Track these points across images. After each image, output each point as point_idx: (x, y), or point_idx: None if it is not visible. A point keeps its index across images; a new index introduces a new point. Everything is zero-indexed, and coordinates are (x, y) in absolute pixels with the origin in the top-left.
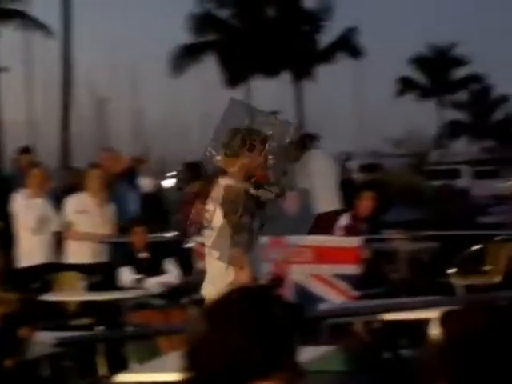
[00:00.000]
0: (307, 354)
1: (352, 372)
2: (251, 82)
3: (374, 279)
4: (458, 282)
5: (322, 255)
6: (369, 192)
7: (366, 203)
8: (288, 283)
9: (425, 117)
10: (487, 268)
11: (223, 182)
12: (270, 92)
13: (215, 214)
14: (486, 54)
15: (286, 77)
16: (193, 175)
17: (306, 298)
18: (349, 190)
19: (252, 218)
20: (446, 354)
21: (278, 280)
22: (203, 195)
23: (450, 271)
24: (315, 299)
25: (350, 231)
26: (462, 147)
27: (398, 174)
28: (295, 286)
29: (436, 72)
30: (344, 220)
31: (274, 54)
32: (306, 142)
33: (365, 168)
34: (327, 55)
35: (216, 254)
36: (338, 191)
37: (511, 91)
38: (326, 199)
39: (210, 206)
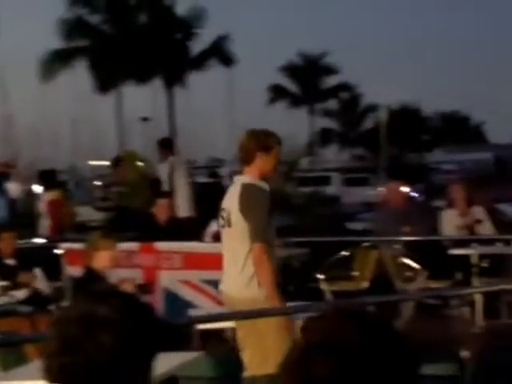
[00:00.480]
0: (177, 360)
1: (221, 378)
2: (123, 88)
3: None
4: (327, 288)
5: (192, 261)
6: None
7: None
8: (158, 289)
9: (296, 124)
10: (355, 274)
11: (240, 180)
12: (142, 98)
13: (233, 212)
14: (355, 63)
15: (158, 83)
16: (47, 183)
17: (176, 303)
18: (219, 196)
19: (271, 215)
20: (304, 361)
21: (147, 286)
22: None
23: (319, 277)
24: (185, 305)
25: (219, 237)
26: (333, 155)
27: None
28: (165, 291)
29: (307, 80)
30: (213, 226)
31: (145, 60)
32: (163, 147)
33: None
34: (199, 62)
35: (237, 250)
36: (191, 198)
37: (380, 100)
38: (180, 206)
39: (226, 204)
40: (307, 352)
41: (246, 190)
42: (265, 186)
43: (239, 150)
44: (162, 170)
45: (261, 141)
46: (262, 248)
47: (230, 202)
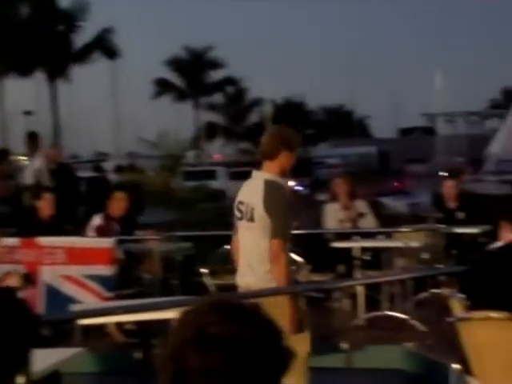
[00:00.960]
0: (59, 355)
1: (103, 373)
2: (5, 81)
3: (128, 280)
4: (210, 282)
5: (74, 256)
6: (121, 192)
7: (118, 204)
8: (39, 285)
9: (181, 118)
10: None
11: (262, 176)
12: (24, 92)
13: (257, 207)
14: (241, 57)
15: (40, 76)
16: None
17: (58, 299)
18: (102, 190)
19: (290, 212)
20: (177, 354)
21: (29, 281)
22: None
23: (203, 270)
24: (67, 300)
25: (102, 232)
26: (218, 149)
27: (153, 174)
28: (47, 287)
29: (192, 74)
30: (96, 220)
31: (27, 52)
32: (32, 140)
33: (120, 169)
34: (82, 55)
35: (258, 245)
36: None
37: (265, 95)
38: None
39: (247, 199)
40: (180, 346)
41: (271, 187)
42: (284, 183)
43: (264, 144)
44: (31, 165)
45: (287, 138)
46: (280, 244)
47: (253, 197)
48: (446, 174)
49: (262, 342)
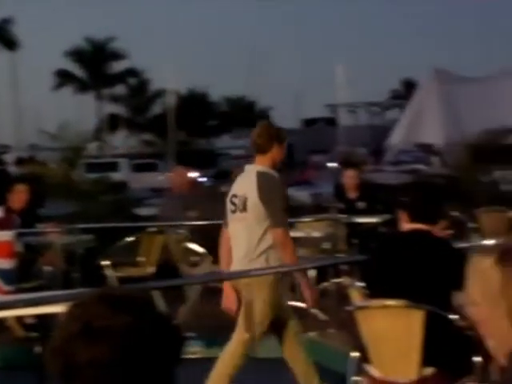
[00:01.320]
0: None
1: (3, 367)
2: None
3: (28, 273)
4: (112, 274)
5: None
6: (22, 185)
7: (18, 196)
8: None
9: (83, 110)
10: (141, 259)
11: (254, 169)
12: None
13: (250, 197)
14: (143, 48)
15: None
16: None
17: None
18: (3, 182)
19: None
20: (65, 348)
21: None
22: None
23: (104, 263)
24: None
25: (2, 225)
26: (121, 140)
27: (54, 166)
28: None
29: (94, 65)
30: None
31: None
32: None
33: (20, 161)
34: None
35: (251, 232)
36: None
37: (167, 86)
38: None
39: (240, 191)
40: (68, 340)
41: (264, 177)
42: (276, 174)
43: (257, 138)
44: None
45: (277, 132)
46: (285, 232)
47: (246, 188)
48: (340, 165)
49: (153, 333)
